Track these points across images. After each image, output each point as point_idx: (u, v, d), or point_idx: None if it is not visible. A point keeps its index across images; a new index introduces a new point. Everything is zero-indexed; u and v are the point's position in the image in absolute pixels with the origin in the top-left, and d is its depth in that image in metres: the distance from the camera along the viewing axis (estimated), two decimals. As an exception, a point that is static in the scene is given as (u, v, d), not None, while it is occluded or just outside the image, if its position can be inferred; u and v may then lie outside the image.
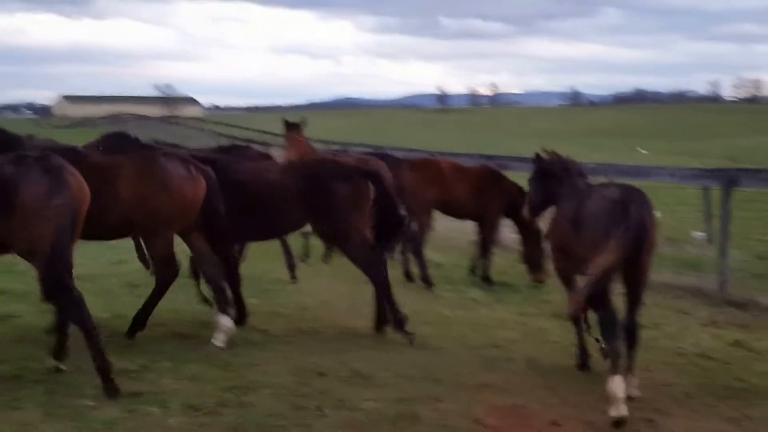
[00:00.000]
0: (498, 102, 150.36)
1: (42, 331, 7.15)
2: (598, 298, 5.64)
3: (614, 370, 5.47)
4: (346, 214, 7.39)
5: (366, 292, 9.63)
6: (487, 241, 10.25)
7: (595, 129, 67.45)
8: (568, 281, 6.56)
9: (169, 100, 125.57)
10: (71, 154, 6.81)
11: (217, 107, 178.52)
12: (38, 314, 7.77)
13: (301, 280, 10.04)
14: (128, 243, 10.89)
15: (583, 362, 6.62)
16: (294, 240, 12.12)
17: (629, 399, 5.52)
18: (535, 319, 8.32)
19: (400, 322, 7.38)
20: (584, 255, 5.83)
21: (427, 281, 9.85)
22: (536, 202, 7.03)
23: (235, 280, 7.50)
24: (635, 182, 11.06)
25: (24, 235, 5.51)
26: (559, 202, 6.61)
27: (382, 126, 68.36)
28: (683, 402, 5.94)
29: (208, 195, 6.93)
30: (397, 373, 6.43)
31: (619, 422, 5.30)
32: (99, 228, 6.56)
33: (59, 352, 6.21)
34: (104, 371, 5.69)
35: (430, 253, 10.65)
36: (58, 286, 5.57)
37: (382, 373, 6.43)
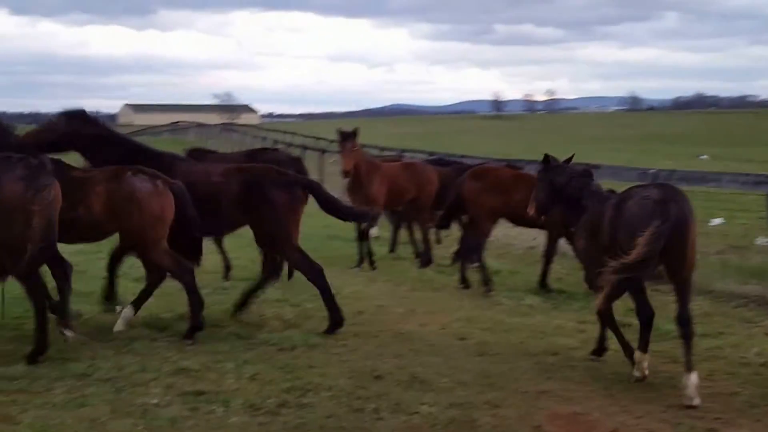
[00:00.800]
0: (554, 108, 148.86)
1: (108, 331, 7.40)
2: (635, 290, 6.26)
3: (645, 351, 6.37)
4: (282, 220, 7.78)
5: (421, 296, 9.70)
6: (549, 249, 10.19)
7: (654, 134, 66.25)
8: (596, 283, 6.67)
9: (227, 108, 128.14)
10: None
11: (272, 115, 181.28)
12: (105, 314, 8.05)
13: (356, 286, 10.11)
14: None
15: (601, 349, 7.05)
16: (349, 246, 12.26)
17: (691, 408, 5.76)
18: (595, 326, 8.20)
19: (336, 325, 7.69)
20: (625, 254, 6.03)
21: (488, 286, 9.85)
22: (544, 201, 7.31)
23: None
24: (697, 188, 10.90)
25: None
26: (575, 205, 6.96)
27: (436, 132, 68.31)
28: (747, 412, 5.81)
29: (180, 207, 7.29)
30: (454, 378, 6.44)
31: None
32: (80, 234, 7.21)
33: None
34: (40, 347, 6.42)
35: (490, 262, 10.65)
36: (28, 274, 6.33)
37: (440, 378, 6.44)
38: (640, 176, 10.85)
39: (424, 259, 11.68)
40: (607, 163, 13.64)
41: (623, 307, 7.21)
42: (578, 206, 6.95)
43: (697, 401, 5.84)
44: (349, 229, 12.63)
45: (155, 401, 5.73)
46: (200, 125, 57.09)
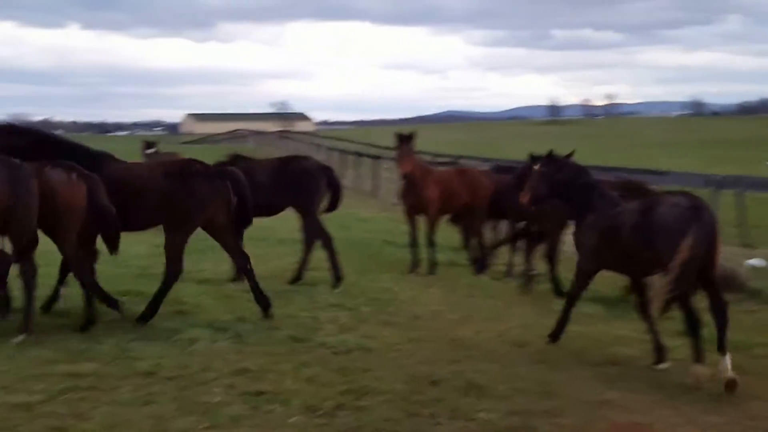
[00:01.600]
0: (613, 113, 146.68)
1: (173, 331, 7.62)
2: (683, 297, 6.66)
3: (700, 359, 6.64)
4: (196, 209, 8.16)
5: (477, 303, 9.71)
6: (551, 252, 10.22)
7: (719, 140, 64.75)
8: (586, 281, 7.72)
9: (283, 116, 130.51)
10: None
11: (327, 122, 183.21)
12: (169, 315, 8.30)
13: (411, 291, 10.18)
14: (257, 251, 11.36)
15: (660, 358, 7.23)
16: (403, 251, 12.32)
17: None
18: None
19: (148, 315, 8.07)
20: (659, 258, 6.68)
21: (559, 293, 9.92)
22: (540, 194, 7.90)
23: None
24: (765, 195, 10.71)
25: None
26: (576, 202, 7.58)
27: (493, 138, 67.93)
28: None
29: (93, 197, 7.70)
30: (512, 385, 6.46)
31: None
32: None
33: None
34: None
35: (544, 267, 10.61)
36: None
37: (497, 384, 6.46)
38: (706, 182, 10.71)
39: (480, 265, 11.69)
40: (674, 169, 13.48)
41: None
42: (580, 204, 7.54)
43: (731, 375, 6.36)
44: (403, 234, 12.72)
45: (217, 400, 5.90)
46: (258, 133, 57.99)
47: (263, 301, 8.37)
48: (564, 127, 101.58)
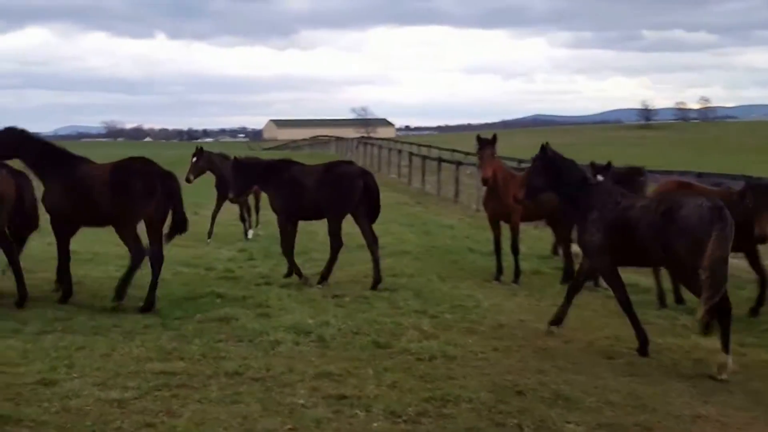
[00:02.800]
0: (709, 116, 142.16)
1: (258, 333, 7.87)
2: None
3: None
4: (132, 205, 8.99)
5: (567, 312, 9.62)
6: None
7: (823, 147, 62.08)
8: (617, 277, 7.95)
9: (364, 122, 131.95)
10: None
11: (408, 128, 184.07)
12: (254, 317, 8.58)
13: (495, 299, 10.17)
14: (326, 257, 11.58)
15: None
16: (487, 259, 12.32)
17: None
18: (757, 350, 7.94)
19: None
20: (678, 258, 7.16)
21: (662, 301, 9.89)
22: (535, 186, 8.31)
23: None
24: None
25: None
26: (575, 197, 7.96)
27: (581, 143, 66.79)
28: None
29: (20, 194, 9.25)
30: (601, 398, 6.40)
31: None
32: None
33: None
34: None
35: (639, 278, 10.46)
36: None
37: (586, 396, 6.42)
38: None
39: (567, 274, 11.57)
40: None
41: None
42: (578, 199, 7.91)
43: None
44: (486, 241, 12.71)
45: (301, 402, 6.07)
46: (339, 139, 58.71)
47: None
48: (657, 131, 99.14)
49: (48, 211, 9.46)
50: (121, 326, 8.16)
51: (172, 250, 12.98)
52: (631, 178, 10.83)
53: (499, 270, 11.59)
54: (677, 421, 5.94)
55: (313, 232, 15.37)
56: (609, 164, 10.38)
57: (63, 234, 9.45)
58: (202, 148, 15.60)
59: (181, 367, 6.80)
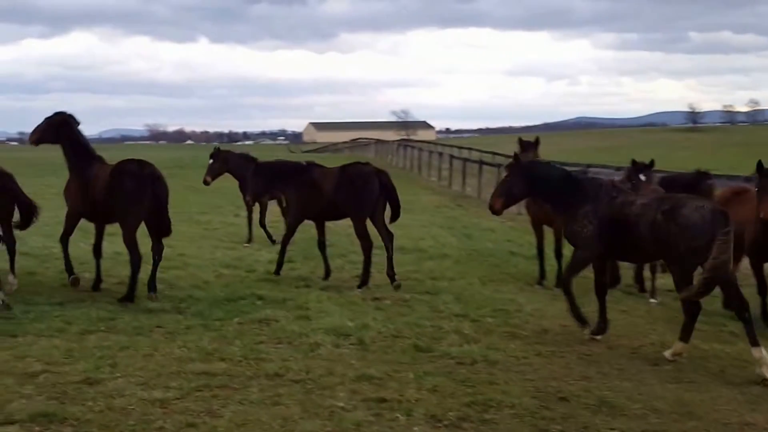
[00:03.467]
0: (758, 119, 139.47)
1: (298, 335, 7.92)
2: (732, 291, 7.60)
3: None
4: (126, 204, 9.50)
5: (611, 317, 9.52)
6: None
7: None
8: (583, 268, 8.47)
9: (404, 124, 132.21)
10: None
11: (449, 130, 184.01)
12: (294, 319, 8.64)
13: (538, 303, 10.10)
14: (376, 259, 11.62)
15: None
16: (529, 263, 12.25)
17: None
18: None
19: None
20: (677, 255, 7.54)
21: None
22: (514, 194, 8.69)
23: None
24: None
25: None
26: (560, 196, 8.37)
27: (626, 146, 66.06)
28: None
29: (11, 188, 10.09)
30: (647, 404, 6.34)
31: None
32: None
33: None
34: None
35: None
36: None
37: (631, 403, 6.35)
38: None
39: (611, 279, 11.43)
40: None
41: None
42: (568, 196, 8.26)
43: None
44: (530, 246, 12.64)
45: (341, 405, 6.08)
46: (379, 141, 58.80)
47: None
48: (704, 134, 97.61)
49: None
50: (163, 327, 8.27)
51: (215, 252, 13.19)
52: (698, 181, 10.73)
53: (542, 274, 11.52)
54: (724, 429, 5.87)
55: (352, 235, 15.40)
56: (652, 162, 10.35)
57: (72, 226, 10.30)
58: (219, 149, 15.52)
59: (222, 368, 6.87)
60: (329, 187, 10.83)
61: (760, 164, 8.82)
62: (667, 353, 7.69)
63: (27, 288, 10.03)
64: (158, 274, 10.81)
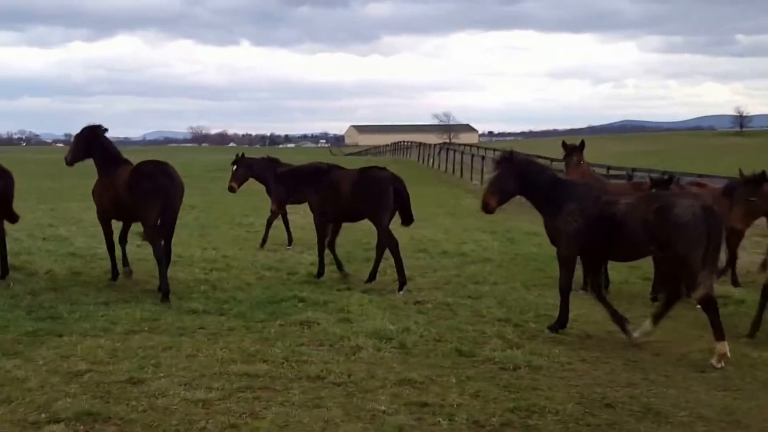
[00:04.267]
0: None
1: (339, 337, 7.95)
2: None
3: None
4: (144, 203, 10.01)
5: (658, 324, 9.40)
6: None
7: None
8: (572, 266, 8.69)
9: (446, 127, 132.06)
10: None
11: (491, 133, 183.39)
12: (336, 322, 8.68)
13: (582, 309, 9.98)
14: (418, 263, 11.63)
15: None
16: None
17: None
18: None
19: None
20: (678, 251, 7.74)
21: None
22: (507, 191, 8.76)
23: None
24: None
25: None
26: (544, 193, 8.54)
27: (672, 150, 65.19)
28: None
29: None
30: (693, 412, 6.23)
31: None
32: None
33: None
34: None
35: (732, 290, 10.14)
36: None
37: (677, 411, 6.25)
38: None
39: (657, 286, 11.26)
40: None
41: None
42: (552, 195, 8.44)
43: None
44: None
45: (383, 408, 6.08)
46: (421, 145, 58.74)
47: None
48: (752, 138, 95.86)
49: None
50: (205, 328, 8.36)
51: (257, 255, 13.29)
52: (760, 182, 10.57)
53: (585, 280, 11.36)
54: (775, 438, 5.72)
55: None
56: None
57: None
58: (242, 154, 15.27)
59: (263, 369, 6.91)
60: (346, 189, 11.07)
61: (741, 172, 9.17)
62: (714, 360, 7.61)
63: (73, 288, 10.22)
64: (201, 276, 10.97)
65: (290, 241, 14.61)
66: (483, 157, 37.68)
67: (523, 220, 18.30)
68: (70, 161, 11.02)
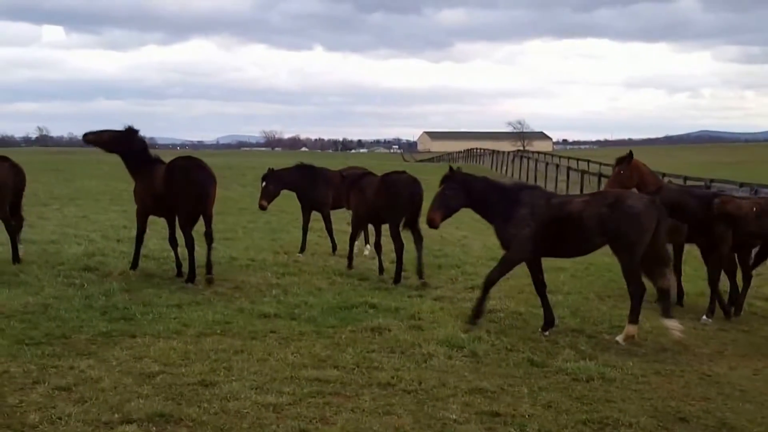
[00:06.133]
0: None
1: (410, 344, 7.94)
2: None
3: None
4: (180, 195, 10.96)
5: (731, 337, 9.14)
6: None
7: None
8: (511, 268, 9.11)
9: (520, 135, 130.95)
10: None
11: (566, 142, 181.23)
12: (407, 329, 8.69)
13: (657, 320, 9.73)
14: (485, 271, 11.48)
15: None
16: (648, 280, 11.79)
17: None
18: None
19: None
20: (632, 241, 8.35)
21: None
22: (452, 207, 9.09)
23: None
24: None
25: None
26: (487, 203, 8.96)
27: (751, 161, 63.16)
28: None
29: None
30: (772, 428, 6.03)
31: None
32: None
33: None
34: None
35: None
36: None
37: (752, 426, 6.12)
38: None
39: (731, 298, 10.90)
40: None
41: None
42: (502, 204, 8.75)
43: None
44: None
45: (454, 417, 6.04)
46: (494, 152, 58.37)
47: None
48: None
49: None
50: (277, 332, 8.45)
51: (328, 260, 13.38)
52: None
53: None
54: None
55: (467, 246, 15.38)
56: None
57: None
58: (272, 169, 14.40)
59: (334, 375, 6.94)
60: (371, 193, 11.88)
61: None
62: (620, 338, 8.46)
63: (146, 289, 10.45)
64: (273, 280, 11.08)
65: (303, 248, 14.07)
66: (557, 166, 37.21)
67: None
68: (92, 141, 11.77)
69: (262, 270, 12.12)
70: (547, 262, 13.47)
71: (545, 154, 58.90)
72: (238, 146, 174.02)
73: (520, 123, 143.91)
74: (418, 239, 11.70)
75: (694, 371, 7.61)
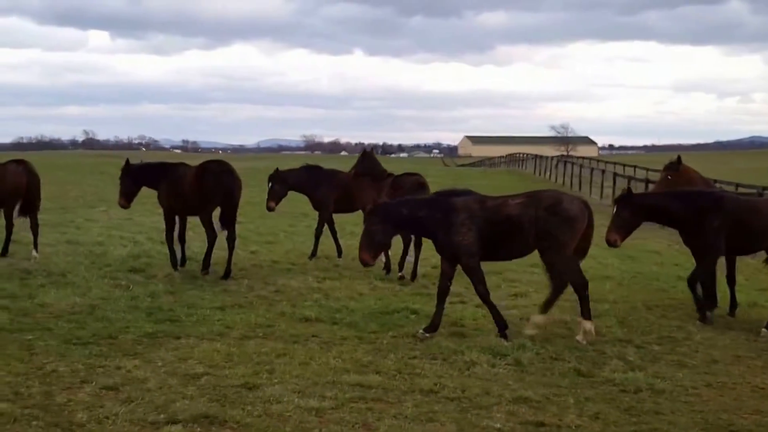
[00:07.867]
0: None
1: (452, 351, 7.94)
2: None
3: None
4: (207, 196, 11.81)
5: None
6: None
7: None
8: (478, 270, 8.92)
9: (564, 140, 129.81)
10: None
11: (612, 147, 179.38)
12: (449, 335, 8.72)
13: (707, 332, 9.61)
14: (533, 278, 11.47)
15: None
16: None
17: None
18: None
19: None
20: (566, 242, 8.70)
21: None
22: (388, 233, 8.99)
23: None
24: None
25: None
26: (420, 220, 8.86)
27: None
28: None
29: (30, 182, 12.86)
30: (829, 445, 5.91)
31: None
32: None
33: None
34: None
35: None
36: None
37: (810, 443, 5.96)
38: None
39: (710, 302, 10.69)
40: None
41: None
42: (436, 216, 8.69)
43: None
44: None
45: (498, 426, 6.03)
46: (537, 157, 57.97)
47: None
48: None
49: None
50: (318, 336, 8.51)
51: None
52: None
53: (713, 301, 10.91)
54: None
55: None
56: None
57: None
58: (277, 169, 14.26)
59: (376, 380, 6.97)
60: (385, 195, 12.30)
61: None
62: (579, 336, 8.68)
63: (190, 291, 10.61)
64: (314, 284, 11.17)
65: (314, 254, 13.97)
66: (603, 171, 36.81)
67: (645, 237, 17.79)
68: (125, 204, 12.60)
69: (303, 274, 12.23)
70: (593, 270, 13.47)
71: (590, 159, 58.31)
72: (278, 150, 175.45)
73: (564, 127, 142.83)
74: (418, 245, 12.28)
75: (747, 383, 7.49)
